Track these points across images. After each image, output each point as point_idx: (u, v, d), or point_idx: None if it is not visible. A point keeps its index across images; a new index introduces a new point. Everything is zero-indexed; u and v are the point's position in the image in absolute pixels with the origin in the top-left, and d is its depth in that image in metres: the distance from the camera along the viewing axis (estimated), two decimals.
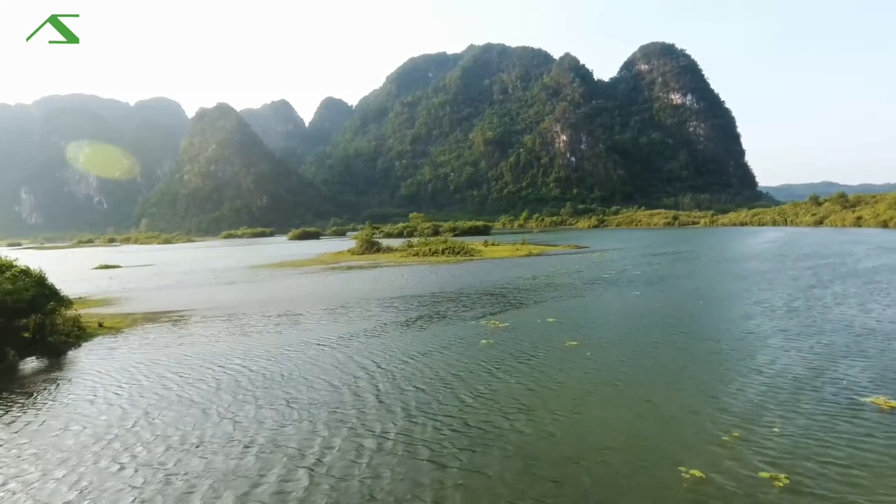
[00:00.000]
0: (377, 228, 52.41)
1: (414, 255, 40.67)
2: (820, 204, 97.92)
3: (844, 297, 16.66)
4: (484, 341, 11.88)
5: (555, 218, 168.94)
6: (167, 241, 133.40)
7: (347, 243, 55.94)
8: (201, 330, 14.78)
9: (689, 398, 8.05)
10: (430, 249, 41.10)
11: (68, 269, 43.96)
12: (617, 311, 15.69)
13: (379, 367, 10.37)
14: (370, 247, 45.09)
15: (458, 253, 39.77)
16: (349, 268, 34.37)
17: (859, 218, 79.66)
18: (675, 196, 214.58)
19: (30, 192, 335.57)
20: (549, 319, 14.03)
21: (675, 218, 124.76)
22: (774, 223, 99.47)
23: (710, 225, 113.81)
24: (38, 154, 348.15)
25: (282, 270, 34.61)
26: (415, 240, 46.98)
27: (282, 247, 79.35)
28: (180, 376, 10.37)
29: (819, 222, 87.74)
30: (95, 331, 14.57)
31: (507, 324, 13.74)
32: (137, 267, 43.10)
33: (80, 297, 22.33)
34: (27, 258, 20.13)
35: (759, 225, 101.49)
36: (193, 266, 42.78)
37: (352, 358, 11.07)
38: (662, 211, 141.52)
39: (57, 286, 13.96)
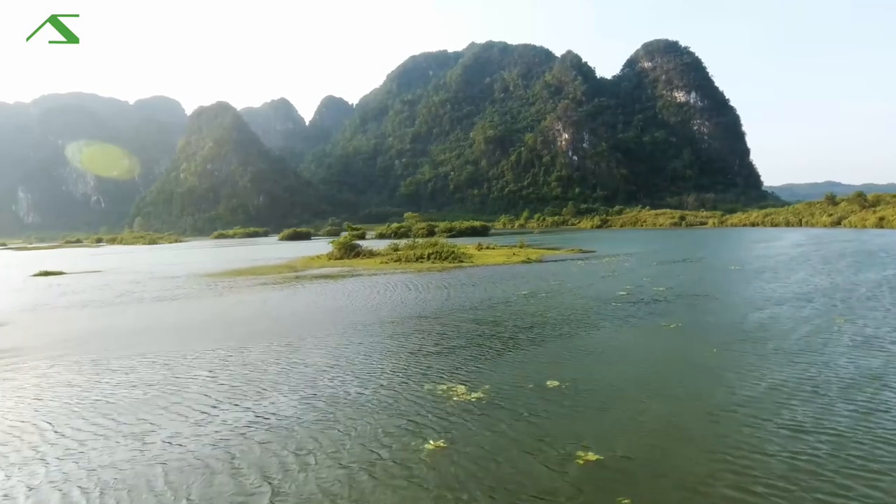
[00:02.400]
0: (355, 230, 47.67)
1: (396, 261, 35.74)
2: (836, 203, 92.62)
3: None
4: (432, 444, 6.55)
5: (556, 218, 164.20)
6: (153, 242, 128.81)
7: None
8: (43, 383, 9.86)
9: None
10: (414, 254, 36.16)
11: (9, 276, 39.17)
12: (651, 365, 10.32)
13: None
14: (349, 251, 40.19)
15: (446, 258, 34.82)
16: (316, 277, 29.44)
17: (881, 218, 74.45)
18: (679, 195, 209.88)
19: (27, 191, 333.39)
20: (548, 383, 8.92)
21: (682, 218, 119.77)
22: (788, 224, 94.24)
23: (719, 225, 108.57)
24: (36, 153, 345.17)
25: (240, 280, 29.72)
26: (401, 242, 42.07)
27: (266, 248, 74.59)
28: None
29: (836, 223, 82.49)
30: None
31: (478, 393, 8.48)
32: (86, 273, 38.21)
33: None
34: None
35: (772, 226, 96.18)
36: (153, 271, 37.93)
37: (213, 482, 6.13)
38: (669, 211, 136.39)
39: None
